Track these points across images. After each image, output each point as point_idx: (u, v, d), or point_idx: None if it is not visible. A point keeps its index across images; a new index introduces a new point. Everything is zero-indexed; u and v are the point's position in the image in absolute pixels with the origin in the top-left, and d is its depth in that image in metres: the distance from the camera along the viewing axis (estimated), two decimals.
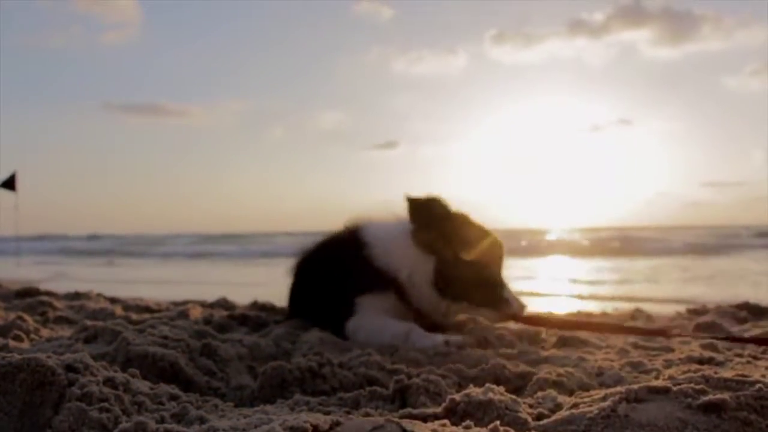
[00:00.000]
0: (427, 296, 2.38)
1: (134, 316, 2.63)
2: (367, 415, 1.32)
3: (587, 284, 6.69)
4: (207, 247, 20.42)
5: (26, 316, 2.40)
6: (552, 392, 1.40)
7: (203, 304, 3.32)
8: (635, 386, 1.14)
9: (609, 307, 3.93)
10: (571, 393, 1.49)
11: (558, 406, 1.28)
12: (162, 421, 1.24)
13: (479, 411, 1.18)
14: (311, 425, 1.09)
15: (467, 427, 1.10)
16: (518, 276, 7.64)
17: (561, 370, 1.62)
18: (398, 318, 2.34)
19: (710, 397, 1.06)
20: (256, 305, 3.16)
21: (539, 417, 1.20)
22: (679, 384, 1.13)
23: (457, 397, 1.22)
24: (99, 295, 3.77)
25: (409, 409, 1.30)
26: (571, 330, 2.43)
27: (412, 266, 2.37)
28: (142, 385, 1.39)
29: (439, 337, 2.15)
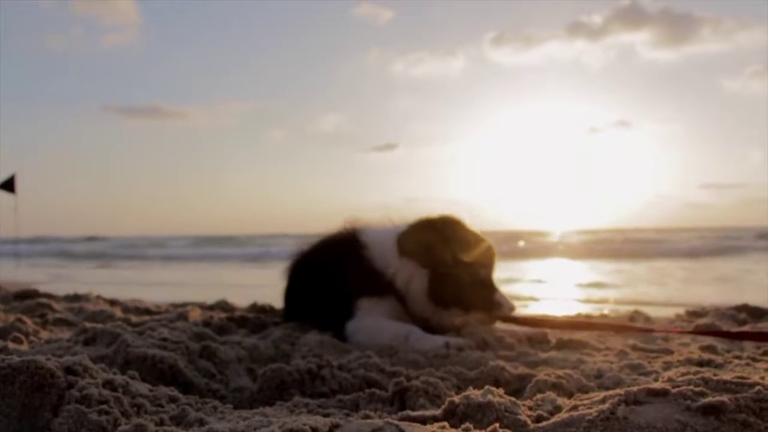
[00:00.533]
0: (422, 306, 2.40)
1: (134, 318, 2.63)
2: (367, 417, 1.32)
3: (586, 286, 6.69)
4: (206, 249, 20.42)
5: (25, 318, 2.40)
6: (551, 394, 1.40)
7: (203, 306, 3.32)
8: (634, 388, 1.14)
9: (607, 309, 3.93)
10: (570, 395, 1.50)
11: (557, 409, 1.27)
12: (161, 423, 1.24)
13: (478, 413, 1.18)
14: (310, 428, 1.09)
15: (466, 430, 1.10)
16: (517, 278, 7.64)
17: (560, 372, 1.62)
18: (397, 320, 2.35)
19: (709, 399, 1.06)
20: (255, 307, 3.16)
21: (538, 419, 1.20)
22: (678, 386, 1.13)
23: (457, 399, 1.22)
24: (98, 297, 3.78)
25: (408, 411, 1.30)
26: (562, 329, 2.47)
27: (408, 277, 2.39)
28: (142, 388, 1.39)
29: (439, 339, 2.15)
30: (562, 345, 2.28)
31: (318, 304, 2.51)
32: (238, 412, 1.40)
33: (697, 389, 1.10)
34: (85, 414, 1.17)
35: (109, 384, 1.31)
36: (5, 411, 1.19)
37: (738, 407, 1.05)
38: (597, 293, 5.96)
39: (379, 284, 2.39)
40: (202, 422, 1.25)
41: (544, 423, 1.13)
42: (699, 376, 1.19)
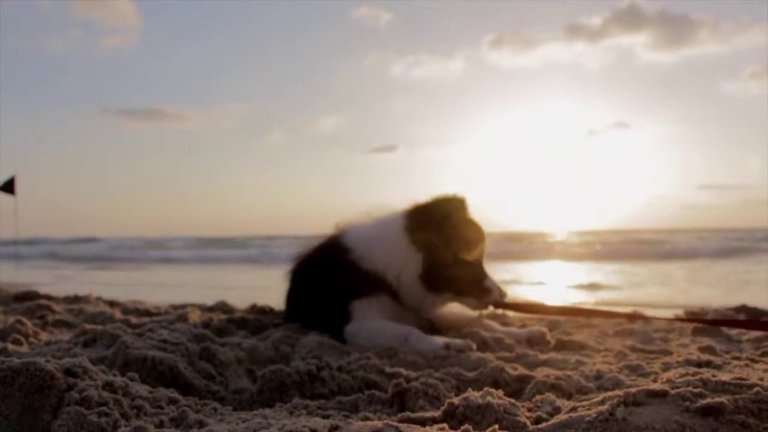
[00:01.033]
0: (415, 291, 2.42)
1: (133, 320, 2.63)
2: (366, 418, 1.32)
3: (585, 288, 6.69)
4: (206, 250, 20.40)
5: (25, 320, 2.40)
6: (550, 395, 1.40)
7: (202, 308, 3.32)
8: (633, 389, 1.14)
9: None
10: (569, 396, 1.50)
11: (556, 410, 1.28)
12: (161, 425, 1.24)
13: (478, 414, 1.18)
14: (310, 429, 1.09)
15: (466, 431, 1.10)
16: (516, 280, 7.64)
17: (559, 374, 1.62)
18: (394, 317, 2.37)
19: (708, 400, 1.06)
20: (255, 309, 3.16)
21: (538, 420, 1.20)
22: (677, 387, 1.13)
23: (456, 400, 1.23)
24: (98, 298, 3.78)
25: (407, 413, 1.30)
26: (551, 315, 2.51)
27: (399, 264, 2.41)
28: (141, 389, 1.39)
29: (439, 341, 2.15)
30: (561, 346, 2.28)
31: (316, 309, 2.52)
32: (237, 414, 1.40)
33: (696, 390, 1.11)
34: (84, 416, 1.18)
35: (108, 386, 1.31)
36: (5, 413, 1.19)
37: (737, 408, 1.05)
38: (596, 294, 5.96)
39: (369, 284, 2.41)
40: (201, 424, 1.25)
41: (543, 424, 1.14)
42: (698, 377, 1.19)
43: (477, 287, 2.49)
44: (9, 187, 11.54)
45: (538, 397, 1.40)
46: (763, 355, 2.02)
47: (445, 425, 1.14)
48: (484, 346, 2.21)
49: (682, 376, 1.26)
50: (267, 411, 1.42)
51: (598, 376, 1.70)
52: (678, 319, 2.42)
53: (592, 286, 6.71)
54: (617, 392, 1.16)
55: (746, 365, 1.80)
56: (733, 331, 2.59)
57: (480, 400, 1.20)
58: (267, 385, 1.63)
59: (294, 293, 2.73)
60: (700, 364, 1.81)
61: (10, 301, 3.35)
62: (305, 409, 1.43)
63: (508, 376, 1.70)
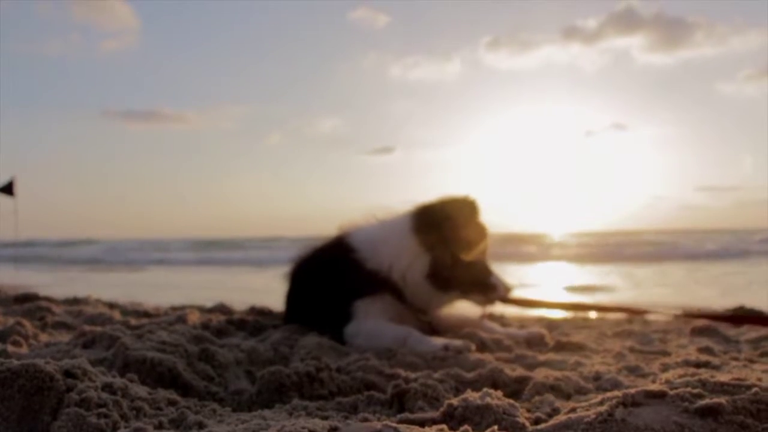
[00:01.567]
0: (422, 291, 2.43)
1: (132, 321, 2.63)
2: (365, 419, 1.32)
3: (583, 289, 6.70)
4: (205, 252, 20.39)
5: (25, 321, 2.40)
6: (549, 396, 1.40)
7: (201, 309, 3.33)
8: (632, 390, 1.14)
9: None
10: (568, 397, 1.50)
11: (555, 411, 1.28)
12: (160, 426, 1.24)
13: (477, 415, 1.18)
14: (309, 431, 1.09)
15: None
16: (515, 281, 7.63)
17: (558, 375, 1.63)
18: (395, 317, 2.37)
19: (707, 401, 1.06)
20: (254, 310, 3.16)
21: (537, 421, 1.20)
22: (676, 388, 1.13)
23: (455, 401, 1.23)
24: (97, 300, 3.77)
25: (406, 414, 1.30)
26: (554, 310, 2.53)
27: (405, 264, 2.42)
28: (141, 391, 1.39)
29: (438, 342, 2.15)
30: (560, 347, 2.29)
31: (317, 309, 2.52)
32: (236, 415, 1.40)
33: (695, 391, 1.11)
34: (84, 417, 1.18)
35: (108, 387, 1.31)
36: (4, 414, 1.19)
37: (735, 409, 1.05)
38: (594, 296, 5.96)
39: (373, 284, 2.42)
40: (201, 425, 1.25)
41: (542, 425, 1.14)
42: (696, 377, 1.20)
43: (483, 284, 2.51)
44: (9, 189, 11.55)
45: (537, 398, 1.41)
46: (761, 355, 2.03)
47: (444, 426, 1.14)
48: (483, 347, 2.22)
49: (680, 376, 1.26)
50: (266, 412, 1.42)
51: (597, 376, 1.71)
52: (681, 315, 2.43)
53: (590, 288, 6.71)
54: (616, 393, 1.16)
55: (744, 366, 1.81)
56: (732, 332, 2.59)
57: (479, 401, 1.20)
58: (266, 387, 1.63)
59: (294, 294, 2.73)
60: (698, 365, 1.82)
61: (10, 303, 3.35)
62: (304, 410, 1.43)
63: (507, 377, 1.70)
